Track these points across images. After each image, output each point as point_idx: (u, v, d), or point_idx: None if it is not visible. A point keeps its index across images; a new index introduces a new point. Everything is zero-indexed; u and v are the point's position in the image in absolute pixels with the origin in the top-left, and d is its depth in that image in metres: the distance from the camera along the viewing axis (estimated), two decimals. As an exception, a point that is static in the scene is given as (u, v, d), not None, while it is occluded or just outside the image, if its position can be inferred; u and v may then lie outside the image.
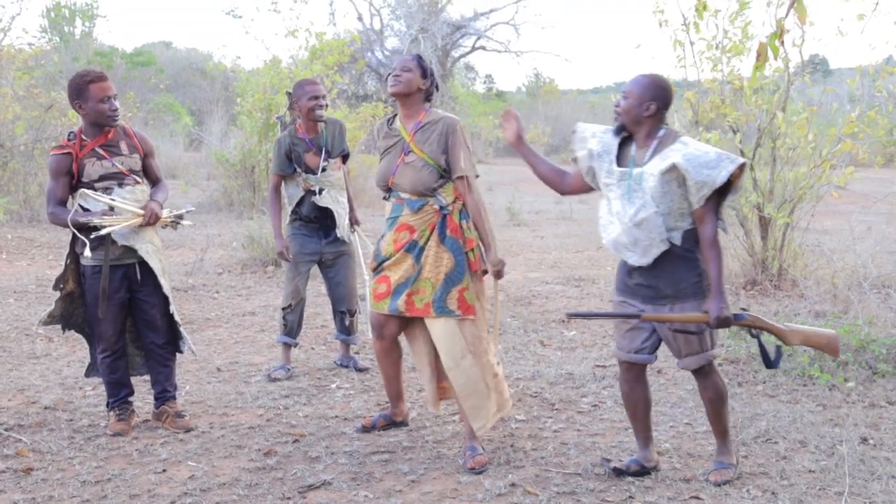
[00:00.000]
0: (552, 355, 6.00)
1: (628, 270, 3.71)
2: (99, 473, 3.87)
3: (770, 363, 3.71)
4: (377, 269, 4.20)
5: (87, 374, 4.73)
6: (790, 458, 4.02)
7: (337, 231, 5.51)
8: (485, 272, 4.15)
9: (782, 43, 3.12)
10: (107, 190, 4.32)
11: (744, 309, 3.67)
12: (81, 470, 3.91)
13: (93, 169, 4.31)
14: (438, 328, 4.05)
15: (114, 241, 4.30)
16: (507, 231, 12.91)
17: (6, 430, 4.41)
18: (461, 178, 4.07)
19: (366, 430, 4.45)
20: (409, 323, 4.27)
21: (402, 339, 4.41)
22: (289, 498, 3.62)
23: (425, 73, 4.13)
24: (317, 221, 5.49)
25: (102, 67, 23.51)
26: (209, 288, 8.28)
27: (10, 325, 6.69)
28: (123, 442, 4.28)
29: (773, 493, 3.61)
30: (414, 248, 4.06)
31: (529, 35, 61.65)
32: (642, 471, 3.82)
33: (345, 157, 5.60)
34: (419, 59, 4.17)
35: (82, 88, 4.25)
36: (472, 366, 4.03)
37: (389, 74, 4.14)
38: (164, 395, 4.55)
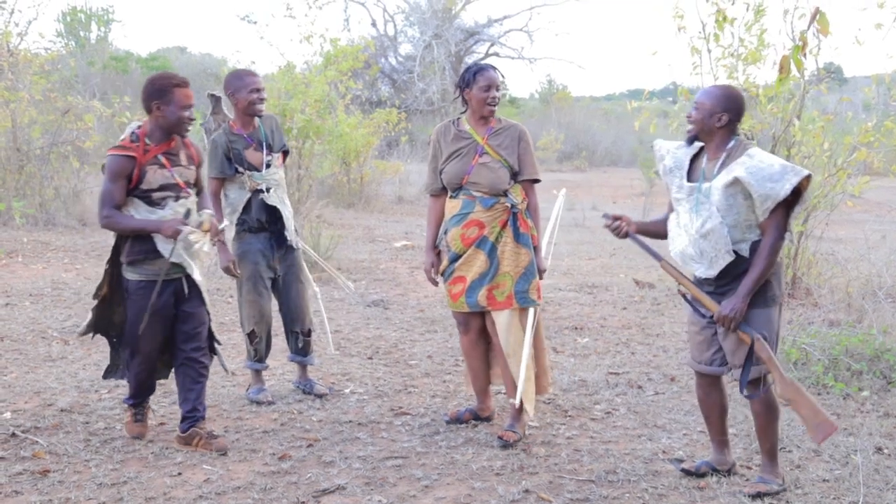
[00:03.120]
0: (565, 362, 6.00)
1: (699, 279, 3.75)
2: (115, 476, 3.90)
3: (742, 389, 3.65)
4: (447, 270, 4.48)
5: (106, 376, 4.59)
6: (804, 466, 4.01)
7: (287, 234, 5.02)
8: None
9: (805, 55, 3.14)
10: (163, 200, 4.12)
11: (764, 336, 3.56)
12: (97, 472, 3.94)
13: (154, 177, 4.08)
14: (503, 318, 4.38)
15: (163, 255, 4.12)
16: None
17: (23, 432, 4.44)
18: (533, 180, 4.44)
19: (450, 422, 4.66)
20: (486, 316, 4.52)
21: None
22: (303, 502, 3.64)
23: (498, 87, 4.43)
24: (268, 227, 4.99)
25: (118, 71, 23.68)
26: (223, 292, 8.30)
27: (26, 328, 6.73)
28: (139, 445, 4.30)
29: (788, 502, 3.61)
30: (485, 245, 4.36)
31: (543, 42, 61.82)
32: (715, 472, 3.89)
33: (285, 154, 5.17)
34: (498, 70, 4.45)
35: (167, 90, 4.06)
36: (527, 355, 4.35)
37: (481, 90, 4.37)
38: (193, 414, 4.29)
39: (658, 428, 4.62)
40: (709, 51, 7.74)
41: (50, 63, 13.89)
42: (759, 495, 3.64)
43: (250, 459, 4.14)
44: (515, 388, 4.36)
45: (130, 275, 4.18)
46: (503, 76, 4.49)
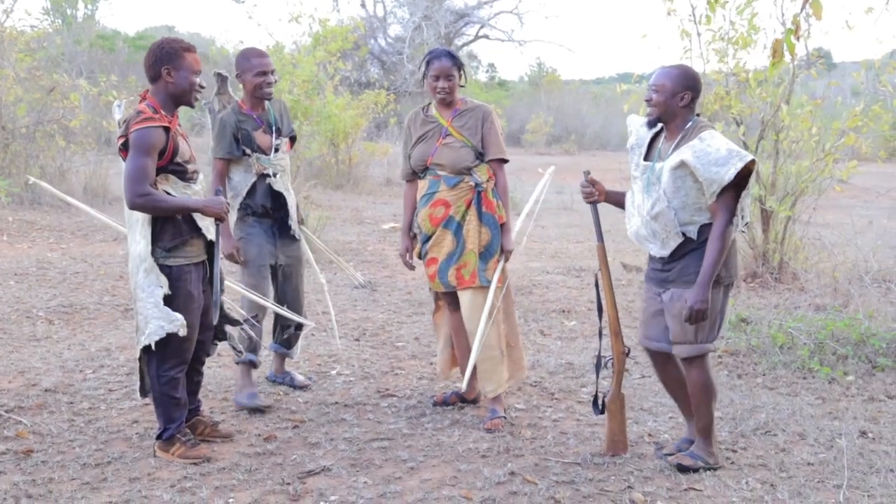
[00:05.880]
0: (552, 345, 6.00)
1: (651, 257, 3.84)
2: (99, 456, 3.88)
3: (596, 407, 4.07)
4: (422, 251, 4.51)
5: (143, 395, 4.01)
6: (789, 450, 4.03)
7: (291, 223, 4.77)
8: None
9: (798, 39, 3.13)
10: (195, 174, 3.84)
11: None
12: (81, 453, 3.92)
13: (185, 148, 3.77)
14: (466, 296, 4.39)
15: (202, 236, 3.86)
16: (508, 220, 12.87)
17: (7, 411, 4.41)
18: (499, 159, 4.41)
19: (437, 405, 4.66)
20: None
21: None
22: (288, 483, 3.63)
23: (461, 69, 4.39)
24: (272, 214, 4.72)
25: (105, 50, 23.48)
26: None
27: (10, 308, 6.69)
28: (123, 426, 4.28)
29: (772, 485, 3.62)
30: (451, 224, 4.38)
31: (533, 24, 61.55)
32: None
33: (292, 140, 4.92)
34: (453, 58, 4.37)
35: (177, 54, 3.72)
36: (490, 333, 4.34)
37: (431, 79, 4.34)
38: (196, 405, 4.13)
39: (644, 411, 4.63)
40: (698, 34, 7.73)
41: (36, 41, 13.78)
42: (680, 467, 3.71)
43: (235, 440, 4.12)
44: (472, 372, 4.35)
45: (171, 261, 3.74)
46: (460, 63, 4.35)
